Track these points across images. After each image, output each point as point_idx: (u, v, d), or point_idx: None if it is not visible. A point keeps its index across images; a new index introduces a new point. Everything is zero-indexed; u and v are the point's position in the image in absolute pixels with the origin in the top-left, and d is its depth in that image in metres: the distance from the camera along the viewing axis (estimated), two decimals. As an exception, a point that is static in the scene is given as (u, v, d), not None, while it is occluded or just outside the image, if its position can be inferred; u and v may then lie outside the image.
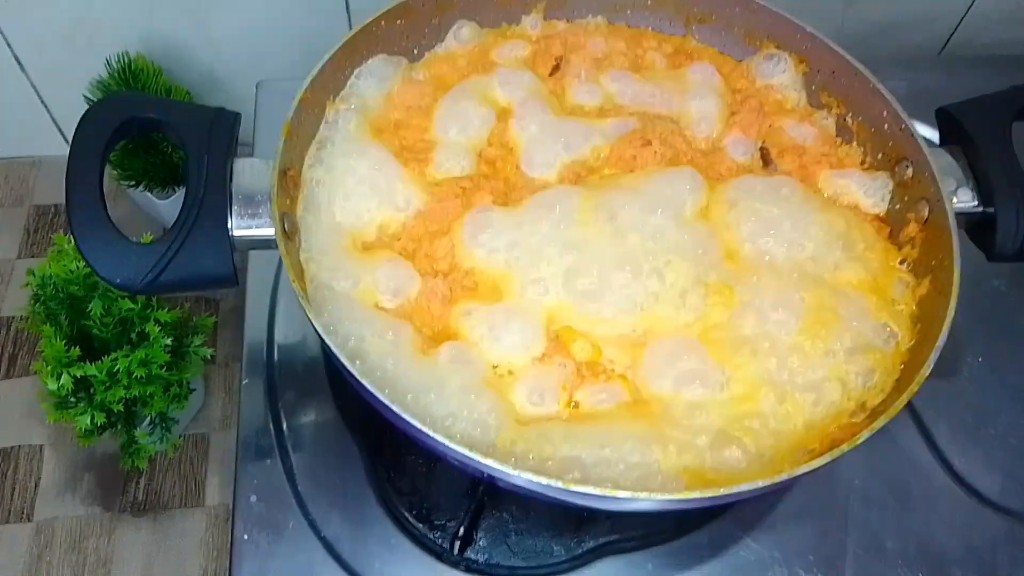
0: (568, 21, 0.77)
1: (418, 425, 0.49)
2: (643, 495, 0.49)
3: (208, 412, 1.19)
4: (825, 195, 0.67)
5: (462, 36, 0.74)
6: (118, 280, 0.55)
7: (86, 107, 0.59)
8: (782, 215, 0.64)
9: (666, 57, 0.75)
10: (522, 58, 0.74)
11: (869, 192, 0.67)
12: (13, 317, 1.25)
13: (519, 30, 0.76)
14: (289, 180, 0.62)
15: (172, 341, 0.98)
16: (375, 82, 0.70)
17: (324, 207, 0.63)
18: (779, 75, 0.73)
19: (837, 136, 0.71)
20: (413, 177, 0.66)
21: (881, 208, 0.67)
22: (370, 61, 0.70)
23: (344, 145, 0.66)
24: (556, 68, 0.73)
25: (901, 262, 0.64)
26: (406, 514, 0.67)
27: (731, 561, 0.67)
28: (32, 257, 1.31)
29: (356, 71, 0.70)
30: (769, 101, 0.73)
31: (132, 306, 0.95)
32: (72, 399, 0.96)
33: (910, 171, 0.65)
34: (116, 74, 1.11)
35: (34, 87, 1.25)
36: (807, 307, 0.60)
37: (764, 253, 0.63)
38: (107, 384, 0.94)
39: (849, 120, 0.70)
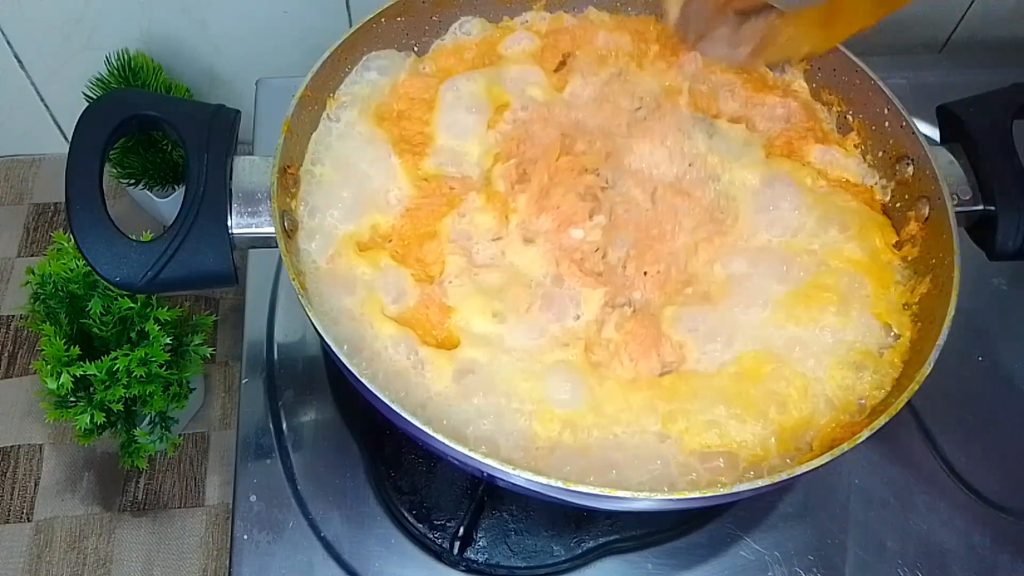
0: (574, 15, 0.77)
1: (418, 424, 0.49)
2: (642, 495, 0.49)
3: (208, 411, 1.19)
4: (816, 168, 0.68)
5: (468, 30, 0.74)
6: (118, 278, 0.55)
7: (86, 105, 0.58)
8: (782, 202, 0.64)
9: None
10: (530, 51, 0.73)
11: (856, 163, 0.69)
12: (13, 316, 1.25)
13: (527, 22, 0.76)
14: (289, 177, 0.62)
15: (172, 340, 0.98)
16: (383, 71, 0.70)
17: (322, 205, 0.63)
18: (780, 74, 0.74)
19: (838, 131, 0.71)
20: (406, 170, 0.65)
21: (871, 180, 0.68)
22: (380, 52, 0.70)
23: (345, 131, 0.66)
24: (562, 64, 0.73)
25: (902, 259, 0.64)
26: (406, 514, 0.67)
27: (731, 561, 0.67)
28: (32, 256, 1.30)
29: (364, 59, 0.70)
30: (752, 78, 0.73)
31: (132, 305, 0.95)
32: (72, 398, 0.95)
33: (911, 169, 0.65)
34: (116, 72, 1.10)
35: (34, 85, 1.25)
36: (804, 288, 0.61)
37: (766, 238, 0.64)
38: (107, 383, 0.94)
39: (850, 118, 0.70)
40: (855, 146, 0.70)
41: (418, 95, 0.69)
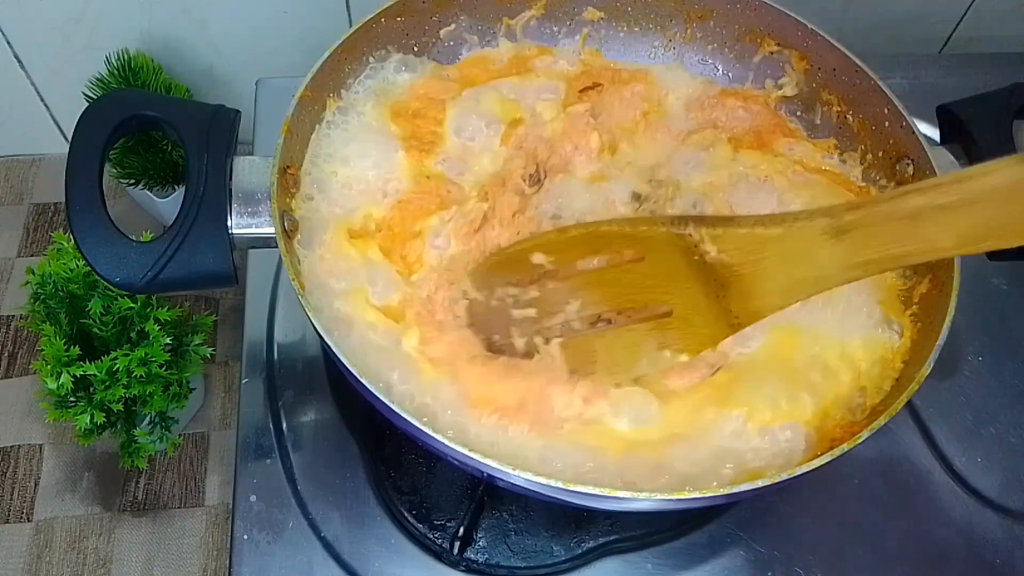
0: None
1: (418, 424, 0.49)
2: (642, 495, 0.49)
3: (208, 411, 1.19)
4: (790, 159, 0.69)
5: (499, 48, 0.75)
6: (118, 279, 0.55)
7: (86, 105, 0.58)
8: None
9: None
10: (562, 74, 0.74)
11: (831, 161, 0.70)
12: (13, 316, 1.25)
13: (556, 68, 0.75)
14: (289, 178, 0.62)
15: (172, 340, 0.98)
16: (403, 70, 0.71)
17: (321, 199, 0.63)
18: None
19: (833, 138, 0.72)
20: (410, 164, 0.66)
21: (847, 171, 0.69)
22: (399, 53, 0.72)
23: (357, 122, 0.67)
24: (591, 88, 0.73)
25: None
26: (406, 514, 0.67)
27: (731, 561, 0.67)
28: (32, 256, 1.30)
29: (388, 58, 0.71)
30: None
31: (132, 305, 0.95)
32: (72, 398, 0.95)
33: (911, 169, 0.65)
34: (116, 72, 1.10)
35: (34, 85, 1.25)
36: None
37: None
38: (107, 383, 0.94)
39: (850, 118, 0.70)
40: (833, 147, 0.71)
41: (437, 96, 0.70)
